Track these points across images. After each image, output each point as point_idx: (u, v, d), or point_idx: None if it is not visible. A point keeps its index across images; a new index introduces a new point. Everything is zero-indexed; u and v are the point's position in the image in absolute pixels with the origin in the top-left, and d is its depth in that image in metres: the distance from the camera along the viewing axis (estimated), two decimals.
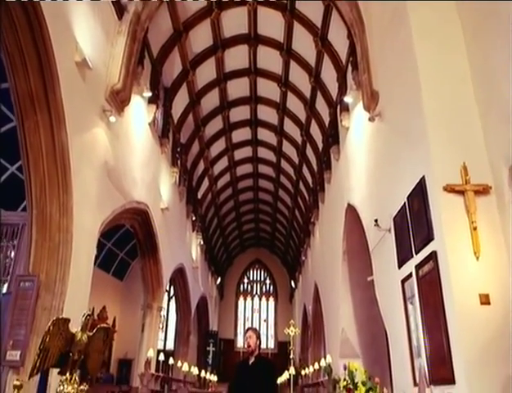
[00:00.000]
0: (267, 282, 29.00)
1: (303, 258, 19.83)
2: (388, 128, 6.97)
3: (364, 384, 3.56)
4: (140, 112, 10.29)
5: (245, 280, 29.01)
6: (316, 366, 11.30)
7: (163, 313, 20.64)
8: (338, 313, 10.90)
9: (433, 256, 5.01)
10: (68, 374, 3.10)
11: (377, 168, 7.56)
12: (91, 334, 3.22)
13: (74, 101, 6.86)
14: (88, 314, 3.29)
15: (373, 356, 9.59)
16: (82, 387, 4.24)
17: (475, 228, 4.71)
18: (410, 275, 5.79)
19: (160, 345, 19.53)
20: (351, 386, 3.57)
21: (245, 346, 4.48)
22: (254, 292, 28.77)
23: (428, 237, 5.14)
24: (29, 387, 4.16)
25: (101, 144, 7.97)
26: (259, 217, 24.83)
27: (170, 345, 20.41)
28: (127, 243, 16.68)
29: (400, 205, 6.16)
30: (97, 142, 7.85)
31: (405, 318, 6.00)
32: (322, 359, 10.16)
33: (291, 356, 6.86)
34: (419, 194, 5.45)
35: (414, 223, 5.67)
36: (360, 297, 10.19)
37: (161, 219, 12.26)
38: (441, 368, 4.81)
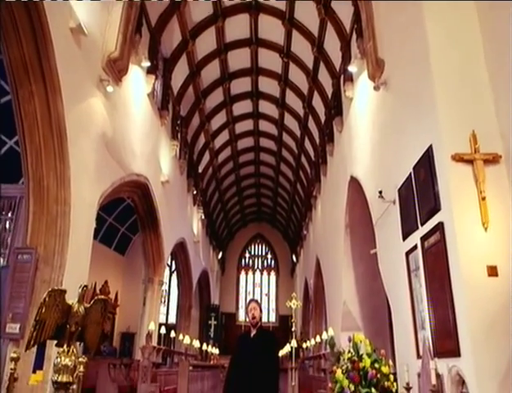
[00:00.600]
0: (269, 256, 29.06)
1: (305, 232, 19.78)
2: (394, 97, 6.76)
3: (369, 356, 3.48)
4: (138, 82, 10.04)
5: (247, 254, 29.07)
6: (318, 339, 11.33)
7: (165, 287, 20.83)
8: (339, 287, 10.87)
9: (439, 227, 4.89)
10: (65, 346, 3.01)
11: (382, 138, 7.38)
12: (88, 306, 3.12)
13: (69, 69, 6.65)
14: (85, 285, 3.19)
15: (374, 329, 9.58)
16: (81, 359, 4.18)
17: (484, 198, 4.57)
18: (415, 247, 5.69)
19: (162, 319, 19.73)
20: (355, 358, 3.48)
21: (250, 318, 4.41)
22: (256, 267, 28.86)
23: (435, 208, 5.01)
24: (28, 359, 4.10)
25: (98, 114, 7.78)
26: (260, 191, 24.69)
27: (172, 319, 20.62)
28: (128, 218, 16.62)
29: (405, 176, 6.01)
30: (94, 112, 7.65)
31: (409, 291, 5.93)
32: (324, 332, 10.17)
33: (293, 329, 6.79)
34: (425, 164, 5.29)
35: (420, 194, 5.53)
36: (362, 270, 10.14)
37: (161, 193, 12.13)
38: (446, 340, 4.74)
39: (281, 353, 12.78)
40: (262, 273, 28.72)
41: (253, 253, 29.18)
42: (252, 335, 4.37)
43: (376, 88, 7.26)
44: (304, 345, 13.66)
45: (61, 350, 3.01)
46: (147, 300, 12.33)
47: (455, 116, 4.98)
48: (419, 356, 5.50)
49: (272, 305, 27.52)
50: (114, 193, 9.00)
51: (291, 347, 6.92)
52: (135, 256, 17.38)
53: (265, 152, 20.30)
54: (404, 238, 6.10)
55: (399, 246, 6.28)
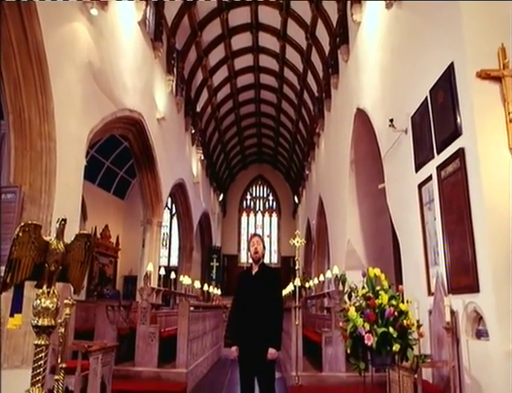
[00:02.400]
0: (270, 198, 28.80)
1: (307, 172, 19.35)
2: (409, 14, 6.09)
3: (386, 292, 3.13)
4: (127, 8, 9.21)
5: (248, 196, 28.80)
6: (321, 278, 11.18)
7: (166, 230, 20.73)
8: (344, 226, 10.57)
9: (459, 154, 4.43)
10: (45, 287, 2.61)
11: (393, 63, 6.76)
12: (68, 242, 2.70)
13: None
14: (63, 219, 2.75)
15: (379, 268, 9.35)
16: (66, 301, 3.85)
17: None
18: (429, 178, 5.28)
19: (164, 262, 19.79)
20: (371, 295, 3.13)
21: (252, 253, 4.05)
22: (257, 208, 28.66)
23: (455, 133, 4.53)
24: (7, 302, 3.77)
25: (82, 41, 7.10)
26: (261, 131, 24.00)
27: (174, 262, 20.73)
28: (126, 161, 16.21)
29: (420, 101, 5.50)
30: (78, 38, 6.96)
31: (420, 225, 5.59)
32: (328, 271, 9.97)
33: (297, 267, 6.50)
34: (445, 85, 4.75)
35: (437, 120, 5.04)
36: (367, 208, 9.81)
37: (157, 131, 11.56)
38: (462, 276, 4.42)
39: (284, 292, 12.73)
40: (263, 215, 28.58)
41: (254, 195, 28.90)
42: (254, 272, 4.03)
43: (388, 6, 6.58)
44: (307, 285, 13.59)
45: (41, 291, 2.64)
46: (146, 242, 12.11)
47: (482, 29, 4.41)
48: (430, 293, 5.23)
49: (274, 247, 27.57)
50: (105, 130, 8.47)
51: (295, 286, 6.66)
52: (135, 200, 17.08)
53: (266, 89, 19.43)
54: (417, 170, 5.67)
55: (411, 178, 5.87)
